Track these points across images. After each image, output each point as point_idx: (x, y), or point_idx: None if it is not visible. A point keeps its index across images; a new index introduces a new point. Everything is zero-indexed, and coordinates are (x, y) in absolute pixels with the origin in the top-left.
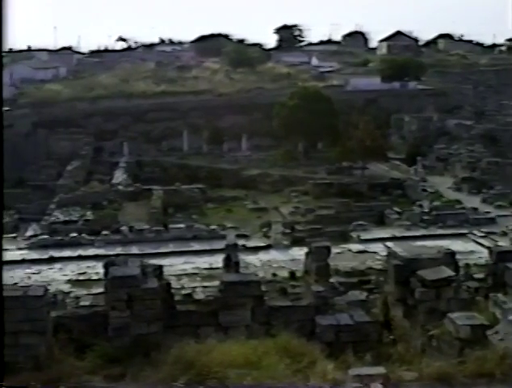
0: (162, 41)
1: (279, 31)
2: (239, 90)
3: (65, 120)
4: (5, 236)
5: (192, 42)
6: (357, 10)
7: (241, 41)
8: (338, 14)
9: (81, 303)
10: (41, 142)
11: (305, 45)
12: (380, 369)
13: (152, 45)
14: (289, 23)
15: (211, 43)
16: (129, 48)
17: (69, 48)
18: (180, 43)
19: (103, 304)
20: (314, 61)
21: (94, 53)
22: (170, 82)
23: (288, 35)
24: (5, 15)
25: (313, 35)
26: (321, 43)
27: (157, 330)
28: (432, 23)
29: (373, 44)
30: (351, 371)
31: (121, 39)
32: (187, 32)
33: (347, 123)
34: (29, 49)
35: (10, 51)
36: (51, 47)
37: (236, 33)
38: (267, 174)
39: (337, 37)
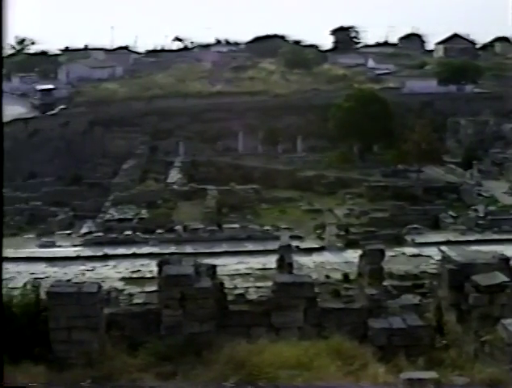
0: (218, 42)
1: (335, 32)
2: (295, 92)
3: (121, 119)
4: (60, 232)
5: (248, 43)
6: (414, 12)
7: (298, 42)
8: (395, 16)
9: (135, 301)
10: (97, 140)
11: (361, 47)
12: (432, 374)
13: (208, 46)
14: (346, 24)
15: (268, 44)
16: (185, 49)
17: (126, 48)
18: (236, 43)
19: (156, 302)
20: (370, 63)
21: (151, 53)
22: (226, 83)
23: (345, 36)
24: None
25: (370, 36)
26: (378, 45)
27: (210, 329)
28: (488, 27)
29: (430, 46)
30: (403, 375)
31: (177, 39)
32: (243, 33)
33: (403, 125)
34: (86, 48)
35: (67, 50)
36: (108, 46)
37: (292, 34)
38: (322, 175)
39: (394, 39)
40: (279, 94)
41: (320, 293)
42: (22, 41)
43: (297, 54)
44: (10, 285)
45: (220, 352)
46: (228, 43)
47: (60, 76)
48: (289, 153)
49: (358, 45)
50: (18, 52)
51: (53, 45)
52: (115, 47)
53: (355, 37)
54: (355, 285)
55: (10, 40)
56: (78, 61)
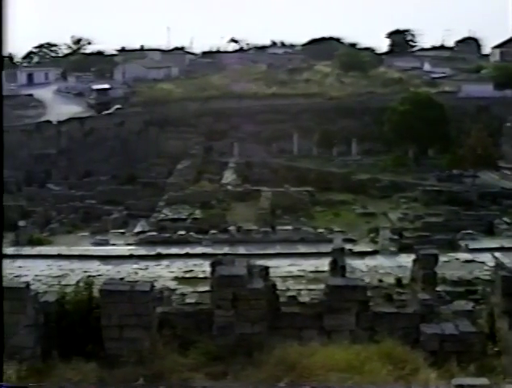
0: (274, 44)
1: (391, 35)
2: (350, 94)
3: (177, 119)
4: (114, 231)
5: (304, 45)
6: (471, 15)
7: (353, 45)
8: (452, 19)
9: (187, 300)
10: (152, 140)
11: (417, 50)
12: (484, 381)
13: (264, 47)
14: (402, 27)
15: (323, 46)
16: (241, 50)
17: (182, 49)
18: (292, 46)
19: (209, 302)
20: (426, 67)
21: (207, 54)
22: (281, 85)
23: (400, 39)
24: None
25: (426, 40)
26: (434, 48)
27: (261, 330)
28: None
29: (486, 50)
30: (454, 381)
31: (233, 40)
32: (299, 35)
33: (458, 130)
34: (142, 49)
35: (124, 50)
36: (164, 47)
37: (348, 37)
38: (377, 179)
39: (450, 43)
40: (334, 97)
41: (372, 296)
42: (78, 41)
43: (353, 57)
44: (63, 282)
45: (271, 353)
46: (283, 45)
47: (116, 76)
48: (344, 156)
49: (414, 48)
50: (75, 51)
51: (110, 45)
52: (171, 48)
53: (411, 40)
54: (408, 290)
55: (67, 39)
56: (134, 61)
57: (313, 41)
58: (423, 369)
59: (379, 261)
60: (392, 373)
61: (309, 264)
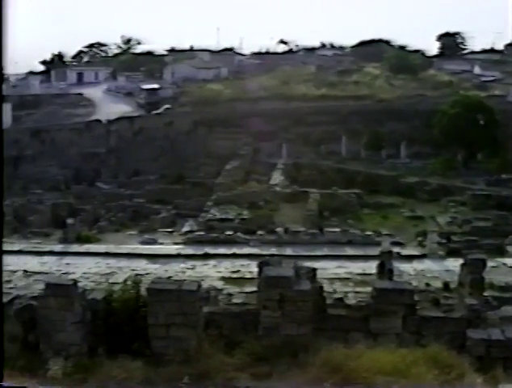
0: (323, 45)
1: (441, 38)
2: (399, 97)
3: (225, 120)
4: (162, 230)
5: (353, 47)
6: None
7: (403, 47)
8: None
9: (234, 300)
10: (201, 140)
11: (467, 53)
12: None
13: (313, 49)
14: (452, 30)
15: (373, 48)
16: (290, 51)
17: (231, 50)
18: (341, 47)
19: (255, 303)
20: (476, 70)
21: (256, 55)
22: (331, 86)
23: (451, 42)
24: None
25: (476, 43)
26: (484, 51)
27: (307, 332)
28: None
29: None
30: (500, 387)
31: (282, 42)
32: (349, 37)
33: (508, 134)
34: (191, 49)
35: (173, 50)
36: (213, 47)
37: (397, 39)
38: (425, 182)
39: (500, 46)
40: (383, 99)
41: (419, 300)
42: (128, 41)
43: (402, 59)
44: (111, 280)
45: (317, 355)
46: (333, 46)
47: (166, 76)
48: (392, 159)
49: (464, 51)
50: (125, 51)
51: (159, 45)
52: (220, 48)
53: (461, 43)
54: (455, 295)
55: (117, 39)
56: (184, 61)
57: (363, 43)
58: (469, 374)
59: (427, 265)
60: (438, 377)
61: (357, 267)
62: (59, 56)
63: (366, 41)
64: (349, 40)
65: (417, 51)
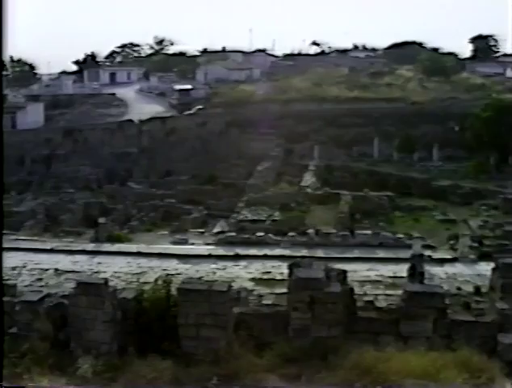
0: (356, 47)
1: (474, 40)
2: (432, 100)
3: (257, 121)
4: (193, 230)
5: (386, 49)
6: None
7: (436, 50)
8: None
9: (264, 302)
10: (233, 141)
11: (500, 56)
12: None
13: (345, 51)
14: (485, 32)
15: (405, 50)
16: (323, 53)
17: (264, 51)
18: (374, 49)
19: (285, 304)
20: (509, 73)
21: (288, 56)
22: (363, 88)
23: (484, 45)
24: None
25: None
26: None
27: (337, 334)
28: None
29: None
30: None
31: (315, 43)
32: (381, 39)
33: None
34: (224, 50)
35: (206, 51)
36: (246, 49)
37: (430, 41)
38: (457, 185)
39: None
40: (416, 102)
41: (450, 304)
42: (161, 41)
43: (435, 62)
44: (141, 280)
45: (347, 357)
46: (365, 48)
47: (198, 76)
48: (425, 162)
49: (497, 54)
50: (157, 52)
51: (192, 46)
52: (252, 49)
53: (494, 46)
54: (486, 299)
55: (150, 40)
56: (216, 62)
57: (396, 45)
58: (499, 378)
59: (459, 269)
60: (468, 381)
61: (388, 269)
62: (92, 57)
63: (399, 43)
64: (382, 41)
65: (450, 53)
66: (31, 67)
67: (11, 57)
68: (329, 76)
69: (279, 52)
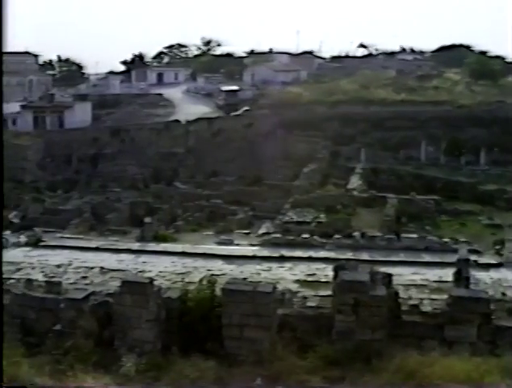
0: (403, 50)
1: None
2: (479, 103)
3: (304, 123)
4: (238, 231)
5: (433, 52)
6: None
7: (483, 53)
8: None
9: (308, 304)
10: (279, 143)
11: None
12: None
13: (393, 53)
14: None
15: (453, 53)
16: (370, 55)
17: (311, 53)
18: (421, 52)
19: (330, 307)
20: None
21: (335, 58)
22: (410, 91)
23: None
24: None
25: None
26: None
27: (381, 337)
28: None
29: None
30: None
31: (362, 45)
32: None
33: None
34: (271, 52)
35: (253, 52)
36: (292, 50)
37: (478, 44)
38: (504, 190)
39: None
40: (463, 105)
41: (495, 310)
42: (208, 42)
43: (483, 65)
44: (186, 280)
45: (391, 361)
46: (413, 51)
47: (245, 78)
48: (471, 166)
49: None
50: (204, 53)
51: (239, 47)
52: (299, 51)
53: None
54: None
55: (197, 40)
56: (263, 63)
57: (443, 48)
58: None
59: (504, 274)
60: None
61: (433, 274)
62: (139, 57)
63: (446, 46)
64: (429, 44)
65: (497, 57)
66: (79, 67)
67: (59, 57)
68: (377, 78)
69: (326, 54)
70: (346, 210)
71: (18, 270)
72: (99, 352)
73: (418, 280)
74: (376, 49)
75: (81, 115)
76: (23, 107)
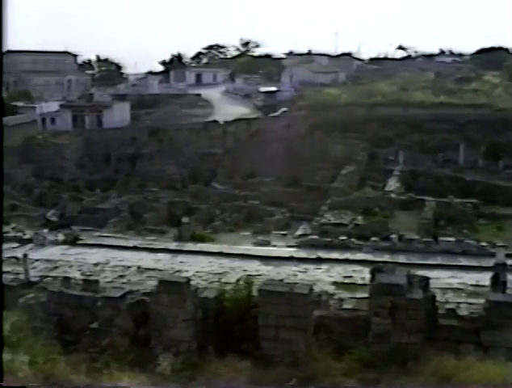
0: (442, 52)
1: None
2: None
3: (342, 124)
4: (275, 232)
5: (472, 54)
6: None
7: None
8: None
9: (344, 306)
10: (317, 144)
11: None
12: None
13: (432, 56)
14: None
15: (492, 56)
16: (409, 57)
17: (349, 54)
18: (460, 54)
19: (366, 309)
20: None
21: (374, 60)
22: (449, 94)
23: None
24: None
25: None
26: None
27: (418, 341)
28: None
29: None
30: None
31: (401, 48)
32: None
33: None
34: (310, 53)
35: (291, 54)
36: (331, 52)
37: None
38: None
39: None
40: (502, 109)
41: None
42: (247, 43)
43: None
44: (223, 280)
45: (427, 364)
46: (452, 53)
47: (284, 79)
48: (510, 169)
49: None
50: (243, 53)
51: (277, 49)
52: (338, 53)
53: None
54: None
55: (235, 41)
56: (302, 65)
57: (482, 51)
58: None
59: None
60: None
61: (470, 278)
62: (178, 57)
63: (485, 49)
64: (468, 47)
65: None
66: (118, 67)
67: (98, 57)
68: (415, 81)
69: (365, 55)
70: (384, 212)
71: (56, 268)
72: (135, 350)
73: (455, 283)
74: (415, 51)
75: (119, 114)
76: (62, 106)
